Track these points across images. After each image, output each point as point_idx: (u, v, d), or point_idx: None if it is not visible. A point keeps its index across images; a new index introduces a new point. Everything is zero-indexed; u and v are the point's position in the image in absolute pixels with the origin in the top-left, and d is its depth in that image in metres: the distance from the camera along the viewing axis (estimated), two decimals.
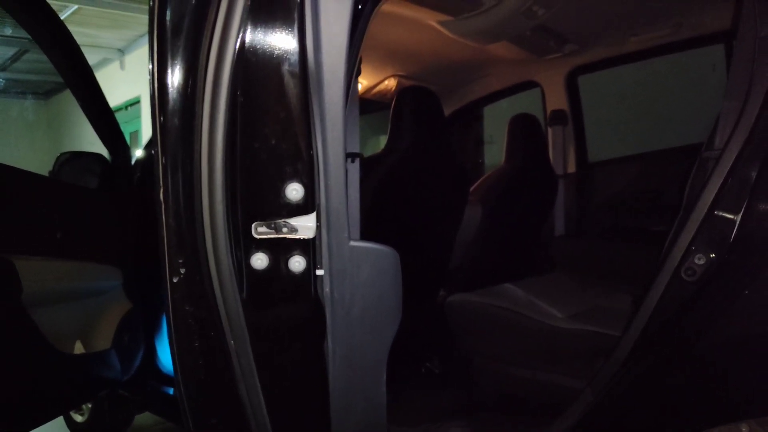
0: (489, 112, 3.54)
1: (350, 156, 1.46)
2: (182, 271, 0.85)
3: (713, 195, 1.19)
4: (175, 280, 0.85)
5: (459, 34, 2.33)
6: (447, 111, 3.09)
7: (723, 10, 1.96)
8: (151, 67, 0.82)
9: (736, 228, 1.16)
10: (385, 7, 1.51)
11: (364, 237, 1.44)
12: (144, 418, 2.65)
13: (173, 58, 0.81)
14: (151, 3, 0.81)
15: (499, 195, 2.55)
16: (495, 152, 3.40)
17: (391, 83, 2.98)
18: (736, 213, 1.16)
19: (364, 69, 2.76)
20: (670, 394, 1.24)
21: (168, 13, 0.81)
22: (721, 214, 1.19)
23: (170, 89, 0.81)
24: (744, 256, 1.15)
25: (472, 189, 2.57)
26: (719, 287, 1.18)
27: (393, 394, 1.96)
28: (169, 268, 0.85)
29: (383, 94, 3.04)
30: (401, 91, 2.25)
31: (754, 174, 1.16)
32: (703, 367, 1.21)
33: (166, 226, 0.83)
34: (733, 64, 1.33)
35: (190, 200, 0.83)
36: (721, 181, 1.19)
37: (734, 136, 1.19)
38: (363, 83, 2.94)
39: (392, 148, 2.18)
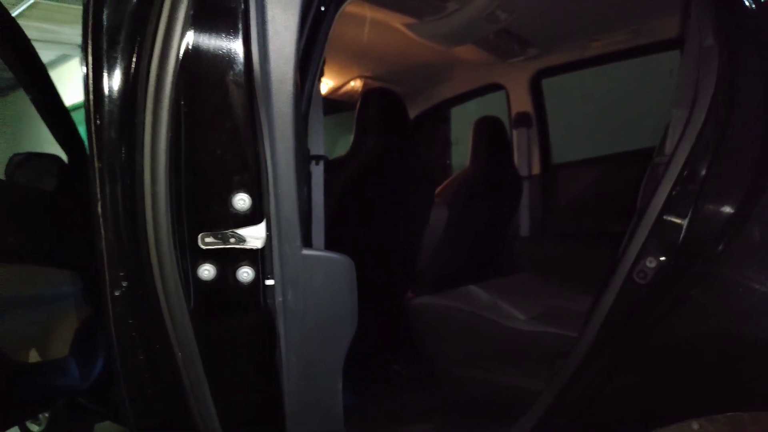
0: (456, 113, 3.57)
1: (314, 158, 1.45)
2: (124, 284, 0.83)
3: (663, 200, 1.23)
4: (116, 294, 0.83)
5: (424, 37, 2.34)
6: (413, 113, 3.10)
7: (677, 18, 2.02)
8: (85, 72, 0.79)
9: (683, 231, 1.20)
10: (349, 9, 1.51)
11: (329, 239, 1.44)
12: (105, 427, 2.59)
13: (111, 66, 0.79)
14: (86, 2, 0.79)
15: (465, 197, 2.57)
16: (461, 153, 3.43)
17: (357, 84, 2.98)
18: (683, 217, 1.20)
19: (332, 70, 2.76)
20: (625, 393, 1.27)
21: (104, 16, 0.79)
22: (670, 218, 1.22)
23: (107, 96, 0.79)
24: (691, 258, 1.19)
25: (437, 191, 2.58)
26: (669, 289, 1.21)
27: (357, 396, 1.97)
28: (109, 281, 0.83)
29: (351, 94, 3.04)
30: (365, 93, 2.26)
31: (700, 179, 1.19)
32: (656, 366, 1.25)
33: (105, 239, 0.81)
34: (681, 72, 1.38)
35: (131, 212, 0.81)
36: (670, 186, 1.23)
37: (682, 143, 1.22)
38: (331, 84, 2.93)
39: (357, 150, 2.18)
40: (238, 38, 0.81)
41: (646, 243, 1.23)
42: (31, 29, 1.76)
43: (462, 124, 3.52)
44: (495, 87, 3.02)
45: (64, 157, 1.95)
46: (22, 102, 1.82)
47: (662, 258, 1.22)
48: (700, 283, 1.17)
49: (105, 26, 0.79)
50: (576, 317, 1.75)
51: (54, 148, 1.95)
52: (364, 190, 2.11)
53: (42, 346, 1.80)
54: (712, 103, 1.17)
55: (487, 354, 1.93)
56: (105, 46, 0.79)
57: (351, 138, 2.28)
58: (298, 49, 0.84)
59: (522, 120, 2.92)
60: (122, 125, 0.81)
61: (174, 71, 0.79)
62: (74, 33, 7.00)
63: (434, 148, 3.74)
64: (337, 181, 2.01)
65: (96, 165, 0.80)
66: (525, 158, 2.92)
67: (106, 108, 0.80)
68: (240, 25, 0.81)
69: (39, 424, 2.52)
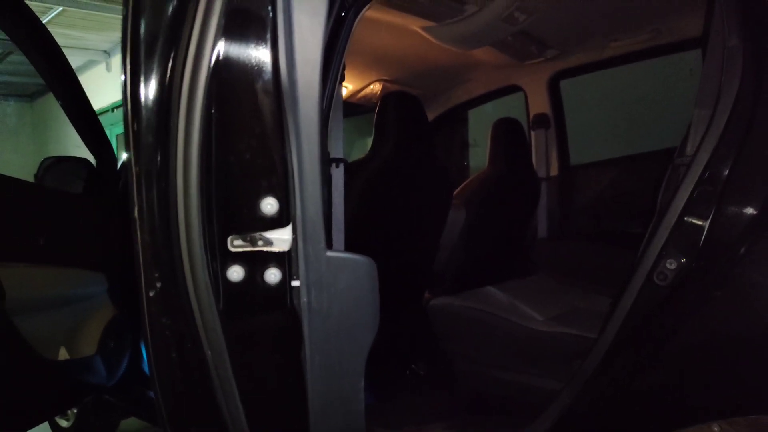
0: (474, 115, 3.57)
1: (335, 161, 1.48)
2: (158, 285, 0.86)
3: (684, 201, 1.23)
4: (151, 294, 0.86)
5: (442, 40, 2.35)
6: (431, 115, 3.11)
7: (699, 17, 2.00)
8: (123, 80, 0.83)
9: (705, 233, 1.19)
10: (368, 13, 1.53)
11: (348, 241, 1.47)
12: (130, 423, 2.65)
13: (147, 74, 0.83)
14: (125, 14, 0.82)
15: (483, 198, 2.57)
16: (479, 155, 3.43)
17: (376, 87, 3.00)
18: (705, 219, 1.19)
19: (352, 74, 2.78)
20: (644, 395, 1.27)
21: (142, 26, 0.83)
22: (691, 219, 1.22)
23: (143, 104, 0.83)
24: (712, 261, 1.18)
25: (455, 192, 2.59)
26: (690, 291, 1.21)
27: (377, 396, 1.99)
28: (145, 282, 0.86)
29: (370, 97, 3.06)
30: (384, 97, 2.27)
31: (722, 181, 1.19)
32: (675, 368, 1.24)
33: (141, 241, 0.84)
34: (703, 73, 1.37)
35: (165, 215, 0.85)
36: (692, 187, 1.22)
37: (704, 144, 1.22)
38: (350, 87, 2.96)
39: (376, 153, 2.20)
40: (266, 46, 0.84)
41: (666, 244, 1.23)
42: (57, 36, 1.82)
43: (480, 126, 3.53)
44: (513, 89, 3.02)
45: (92, 160, 2.00)
46: (56, 106, 1.87)
47: (683, 259, 1.22)
48: (721, 285, 1.17)
49: (142, 36, 0.83)
50: (594, 318, 1.75)
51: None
52: (383, 192, 2.13)
53: (70, 345, 1.85)
54: (736, 103, 1.17)
55: (505, 354, 1.93)
56: (143, 55, 0.82)
57: (369, 141, 2.30)
58: (323, 56, 0.87)
59: (540, 121, 2.91)
60: (158, 131, 0.84)
61: (206, 78, 0.82)
62: (99, 39, 7.15)
63: (452, 150, 3.75)
64: (356, 183, 2.03)
65: (134, 170, 0.83)
66: (543, 160, 2.92)
67: (143, 114, 0.83)
68: (268, 34, 0.84)
69: (68, 420, 2.58)
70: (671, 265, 1.23)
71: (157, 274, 0.86)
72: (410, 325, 2.29)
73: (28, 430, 1.61)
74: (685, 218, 1.22)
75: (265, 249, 0.88)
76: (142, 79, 0.83)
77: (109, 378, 1.95)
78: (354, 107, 3.15)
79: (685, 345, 1.22)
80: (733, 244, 1.15)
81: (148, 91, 0.83)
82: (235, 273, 0.88)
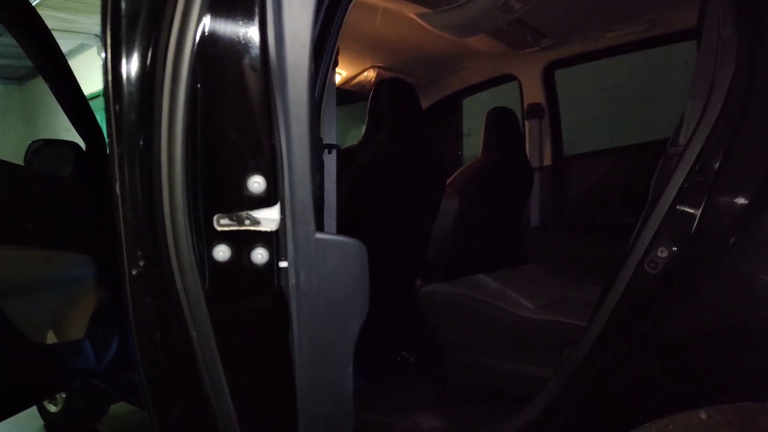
0: (468, 104, 3.56)
1: (327, 147, 1.46)
2: (141, 263, 0.85)
3: (676, 190, 1.23)
4: (134, 273, 0.85)
5: (437, 27, 2.33)
6: (426, 103, 3.10)
7: (693, 8, 2.00)
8: (104, 56, 0.81)
9: (696, 222, 1.19)
10: None
11: (340, 228, 1.46)
12: (119, 407, 2.64)
13: (129, 50, 0.80)
14: None
15: (476, 187, 2.57)
16: (473, 144, 3.43)
17: (371, 74, 2.98)
18: (696, 207, 1.19)
19: (346, 60, 2.76)
20: (634, 383, 1.28)
21: (122, 3, 0.81)
22: (682, 208, 1.22)
23: (125, 81, 0.81)
24: (704, 249, 1.18)
25: (448, 181, 2.59)
26: (681, 280, 1.21)
27: (368, 383, 1.99)
28: (127, 260, 0.85)
29: (364, 84, 3.04)
30: (378, 84, 2.26)
31: (714, 170, 1.19)
32: (665, 356, 1.25)
33: (123, 218, 0.83)
34: (697, 63, 1.36)
35: (148, 193, 0.83)
36: (684, 176, 1.22)
37: (696, 134, 1.22)
38: (344, 74, 2.94)
39: (369, 140, 2.19)
40: (254, 22, 0.82)
41: (658, 233, 1.23)
42: (48, 19, 1.79)
43: (474, 114, 3.52)
44: (508, 78, 3.01)
45: (82, 144, 1.98)
46: (46, 89, 1.85)
47: (674, 248, 1.22)
48: (712, 274, 1.17)
49: (124, 8, 0.81)
50: (585, 307, 1.76)
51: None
52: (376, 179, 2.12)
53: (58, 329, 1.83)
54: (729, 93, 1.17)
55: (495, 342, 1.94)
56: (124, 28, 0.80)
57: (362, 129, 2.29)
58: (313, 35, 0.85)
59: (534, 111, 2.91)
60: (141, 107, 0.82)
61: (191, 54, 0.81)
62: (91, 23, 7.06)
63: (446, 138, 3.74)
64: (349, 170, 2.02)
65: (115, 145, 0.82)
66: (537, 149, 2.91)
67: (125, 90, 0.81)
68: (256, 9, 0.82)
69: (56, 404, 2.57)
70: (662, 253, 1.23)
71: (140, 253, 0.85)
72: (401, 313, 2.29)
73: (15, 414, 1.60)
74: (677, 207, 1.22)
75: (252, 228, 0.86)
76: (123, 53, 0.81)
77: (98, 362, 1.94)
78: (348, 95, 3.13)
79: (675, 333, 1.23)
80: (724, 234, 1.15)
81: (131, 66, 0.81)
82: (221, 252, 0.87)
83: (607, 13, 2.40)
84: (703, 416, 1.20)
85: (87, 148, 1.97)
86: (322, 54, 1.28)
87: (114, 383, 2.18)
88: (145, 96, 0.81)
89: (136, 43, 0.81)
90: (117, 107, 0.81)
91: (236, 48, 0.82)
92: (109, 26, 0.80)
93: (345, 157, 2.00)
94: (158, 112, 0.81)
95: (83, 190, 1.93)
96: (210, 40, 0.82)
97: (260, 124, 0.84)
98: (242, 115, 0.85)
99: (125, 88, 0.81)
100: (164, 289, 0.87)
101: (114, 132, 0.81)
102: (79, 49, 8.15)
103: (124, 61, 0.81)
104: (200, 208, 0.86)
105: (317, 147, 1.30)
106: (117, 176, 0.82)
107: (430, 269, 2.51)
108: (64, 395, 2.52)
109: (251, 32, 0.83)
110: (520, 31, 2.51)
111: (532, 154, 2.92)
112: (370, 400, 1.92)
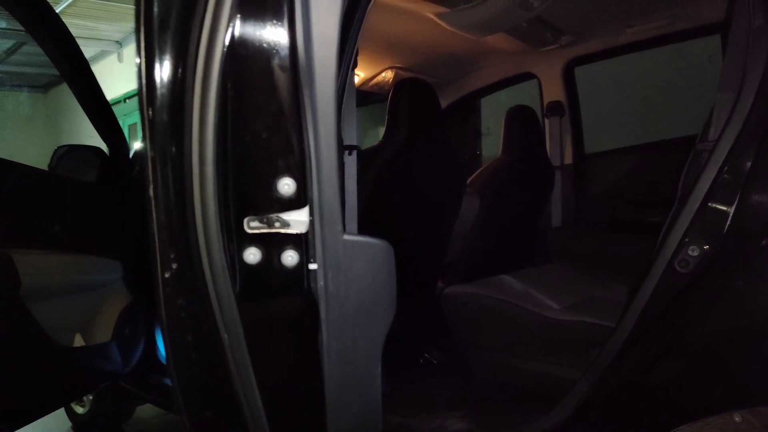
0: (487, 103, 3.54)
1: (348, 149, 1.46)
2: (174, 266, 0.85)
3: (707, 187, 1.20)
4: (166, 275, 0.85)
5: (456, 26, 2.32)
6: (444, 103, 3.08)
7: (718, 1, 1.96)
8: (138, 61, 0.81)
9: (729, 220, 1.16)
10: None
11: (361, 229, 1.45)
12: (145, 409, 2.67)
13: (161, 53, 0.81)
14: None
15: (496, 187, 2.55)
16: (492, 144, 3.40)
17: (389, 75, 2.97)
18: (729, 205, 1.16)
19: (364, 61, 2.76)
20: (664, 384, 1.25)
21: (155, 6, 0.81)
22: (714, 206, 1.19)
23: (158, 84, 0.81)
24: (737, 248, 1.15)
25: (469, 181, 2.57)
26: (712, 279, 1.18)
27: (391, 384, 1.98)
28: (160, 263, 0.85)
29: (382, 85, 3.04)
30: (397, 84, 2.25)
31: (747, 166, 1.16)
32: (697, 357, 1.22)
33: (156, 221, 0.83)
34: (727, 56, 1.33)
35: (180, 195, 0.83)
36: (715, 173, 1.19)
37: (728, 128, 1.19)
38: (362, 75, 2.94)
39: (390, 141, 2.19)
40: (283, 22, 0.82)
41: (688, 231, 1.21)
42: (70, 26, 1.82)
43: (492, 114, 3.49)
44: (527, 76, 2.99)
45: (105, 149, 2.01)
46: (69, 96, 1.87)
47: (706, 246, 1.19)
48: (745, 273, 1.14)
49: (156, 12, 0.81)
50: (611, 307, 1.73)
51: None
52: (397, 180, 2.11)
53: (85, 332, 1.86)
54: (762, 85, 1.14)
55: (521, 343, 1.92)
56: (156, 31, 0.81)
57: (381, 130, 2.28)
58: (341, 34, 0.85)
59: (554, 109, 2.88)
60: (172, 109, 0.83)
61: (221, 57, 0.81)
62: (112, 30, 7.18)
63: (465, 138, 3.72)
64: (369, 171, 2.02)
65: (149, 147, 0.82)
66: (557, 148, 2.88)
67: (158, 92, 0.81)
68: (285, 9, 0.82)
69: (83, 406, 2.61)
70: (694, 252, 1.20)
71: (173, 255, 0.85)
72: (424, 313, 2.28)
73: (44, 415, 1.63)
74: (709, 204, 1.19)
75: (282, 231, 0.86)
76: (156, 56, 0.81)
77: (125, 365, 1.97)
78: (367, 96, 3.12)
79: (706, 335, 1.20)
80: (757, 233, 1.12)
81: (162, 71, 0.81)
82: (252, 255, 0.87)
83: (627, 8, 2.37)
84: (737, 419, 1.17)
85: (110, 152, 2.00)
86: (342, 55, 1.28)
87: (140, 385, 2.20)
88: (177, 98, 0.82)
89: (168, 45, 0.82)
90: (150, 111, 0.82)
91: (265, 48, 0.82)
92: (142, 28, 0.81)
93: (365, 158, 2.00)
94: (189, 114, 0.82)
95: (108, 194, 1.96)
96: (240, 40, 0.82)
97: (289, 124, 0.84)
98: (272, 116, 0.85)
99: (158, 91, 0.82)
100: (196, 292, 0.88)
101: (148, 135, 0.82)
102: (100, 56, 8.29)
103: (157, 64, 0.82)
104: (231, 210, 0.86)
105: (339, 147, 1.30)
106: (150, 179, 0.82)
107: (451, 270, 2.49)
108: (91, 397, 2.55)
109: (280, 32, 0.83)
110: (540, 28, 2.49)
111: (552, 152, 2.89)
112: (393, 401, 1.91)
